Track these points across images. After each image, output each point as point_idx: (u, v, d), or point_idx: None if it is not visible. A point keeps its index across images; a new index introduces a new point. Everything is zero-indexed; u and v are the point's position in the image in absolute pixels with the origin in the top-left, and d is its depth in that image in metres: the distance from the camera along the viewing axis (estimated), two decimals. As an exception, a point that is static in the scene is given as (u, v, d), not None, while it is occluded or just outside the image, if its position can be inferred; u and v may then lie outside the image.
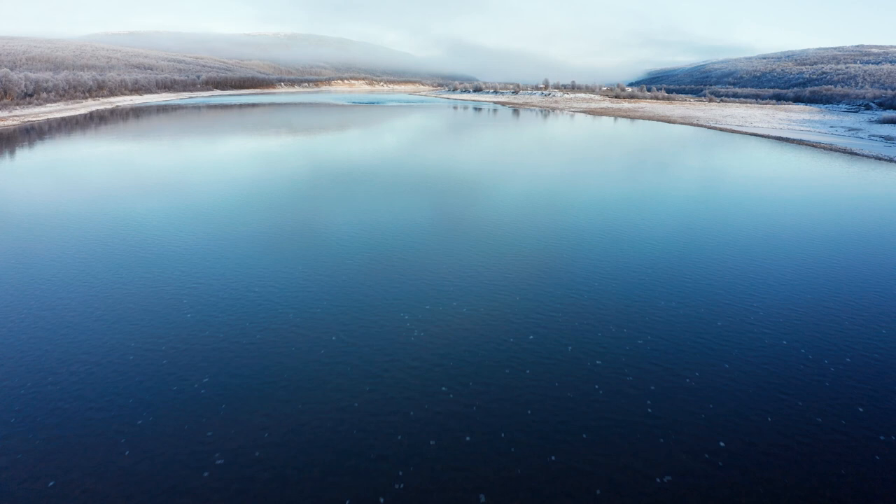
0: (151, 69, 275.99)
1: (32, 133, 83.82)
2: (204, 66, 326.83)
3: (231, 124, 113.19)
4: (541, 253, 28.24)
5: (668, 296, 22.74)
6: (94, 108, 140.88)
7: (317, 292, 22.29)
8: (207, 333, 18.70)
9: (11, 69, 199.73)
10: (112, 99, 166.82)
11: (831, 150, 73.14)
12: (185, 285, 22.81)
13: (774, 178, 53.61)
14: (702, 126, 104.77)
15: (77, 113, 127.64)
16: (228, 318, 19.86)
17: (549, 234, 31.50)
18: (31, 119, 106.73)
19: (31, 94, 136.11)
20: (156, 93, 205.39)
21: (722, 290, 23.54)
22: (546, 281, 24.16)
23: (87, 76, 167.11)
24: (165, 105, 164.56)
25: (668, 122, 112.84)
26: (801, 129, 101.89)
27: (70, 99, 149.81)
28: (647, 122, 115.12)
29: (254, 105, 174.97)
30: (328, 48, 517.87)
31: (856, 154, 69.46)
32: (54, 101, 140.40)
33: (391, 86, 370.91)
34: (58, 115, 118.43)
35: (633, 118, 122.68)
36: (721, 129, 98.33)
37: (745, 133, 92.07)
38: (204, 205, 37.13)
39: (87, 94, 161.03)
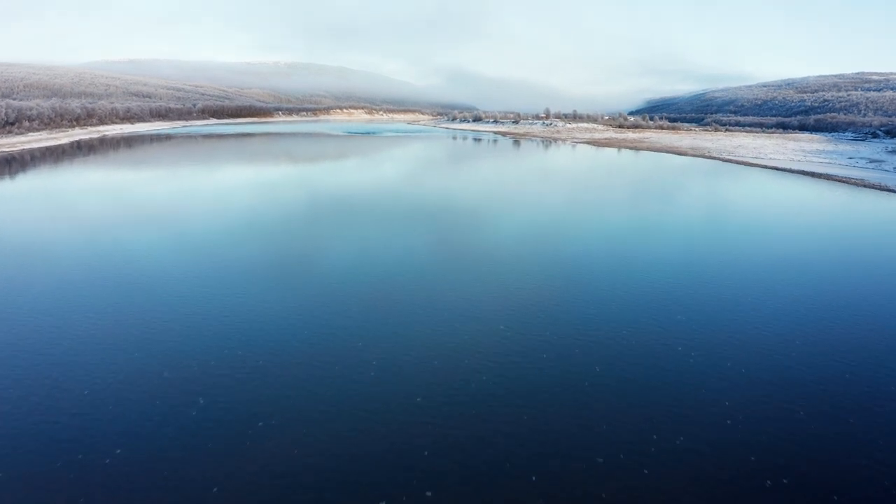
0: (150, 97, 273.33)
1: (4, 164, 78.18)
2: (203, 94, 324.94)
3: (214, 155, 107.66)
4: (564, 302, 25.66)
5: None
6: (79, 138, 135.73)
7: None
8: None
9: (8, 96, 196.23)
10: (100, 128, 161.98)
11: (864, 185, 66.83)
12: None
13: (822, 222, 46.98)
14: (715, 158, 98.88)
15: (59, 143, 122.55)
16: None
17: (578, 282, 28.23)
18: (6, 149, 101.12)
19: (13, 123, 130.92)
20: (149, 121, 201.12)
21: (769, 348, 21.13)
22: (555, 318, 23.56)
23: (75, 104, 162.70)
24: (156, 134, 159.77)
25: (679, 153, 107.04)
26: (820, 160, 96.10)
27: (55, 128, 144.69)
28: (656, 153, 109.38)
29: (247, 135, 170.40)
30: (328, 77, 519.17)
31: (893, 191, 63.14)
32: (38, 130, 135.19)
33: (390, 115, 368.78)
34: (38, 145, 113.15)
35: (640, 149, 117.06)
36: (737, 162, 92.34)
37: (765, 167, 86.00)
38: (178, 241, 35.46)
39: (75, 123, 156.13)
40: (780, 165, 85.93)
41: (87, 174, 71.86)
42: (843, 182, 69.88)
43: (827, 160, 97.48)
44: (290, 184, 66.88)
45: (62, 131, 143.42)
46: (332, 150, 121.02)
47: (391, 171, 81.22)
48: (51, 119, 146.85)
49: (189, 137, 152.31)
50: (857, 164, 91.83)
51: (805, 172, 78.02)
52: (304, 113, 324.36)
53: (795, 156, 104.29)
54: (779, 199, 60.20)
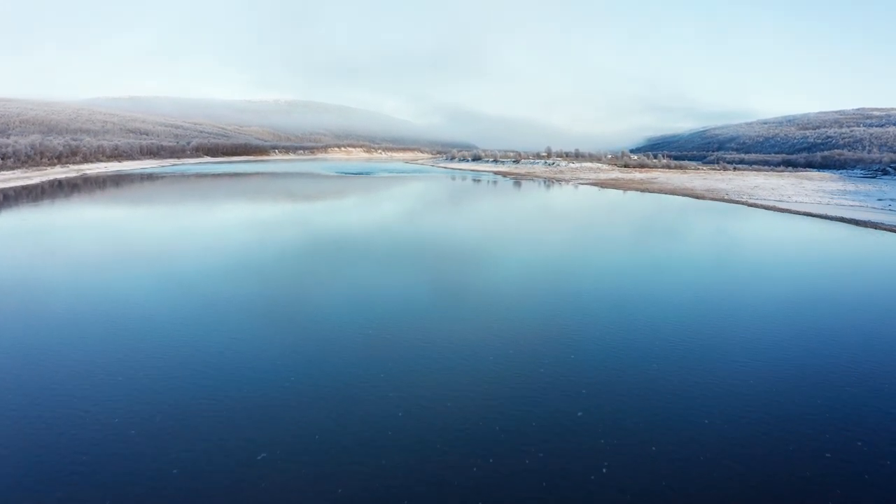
0: (147, 134, 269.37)
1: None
2: (201, 131, 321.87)
3: (186, 195, 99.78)
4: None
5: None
6: (56, 177, 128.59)
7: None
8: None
9: (3, 132, 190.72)
10: (83, 166, 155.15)
11: (920, 237, 58.03)
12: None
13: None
14: (736, 202, 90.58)
15: (32, 182, 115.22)
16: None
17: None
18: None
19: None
20: (138, 159, 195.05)
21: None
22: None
23: (57, 141, 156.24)
24: (142, 173, 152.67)
25: (695, 196, 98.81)
26: (850, 203, 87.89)
27: (33, 166, 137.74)
28: (670, 196, 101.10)
29: (234, 174, 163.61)
30: (328, 115, 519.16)
31: (958, 244, 54.28)
32: (11, 169, 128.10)
33: (389, 153, 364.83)
34: (4, 185, 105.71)
35: (651, 191, 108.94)
36: (763, 207, 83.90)
37: (796, 212, 77.41)
38: (149, 284, 34.93)
39: (56, 161, 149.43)
40: (812, 210, 77.42)
41: (43, 215, 64.14)
42: (894, 231, 61.12)
43: (856, 202, 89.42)
44: (260, 227, 58.26)
45: (39, 170, 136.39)
46: (311, 193, 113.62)
47: (378, 224, 72.62)
48: (29, 157, 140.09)
49: (173, 176, 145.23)
50: (892, 208, 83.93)
51: (844, 220, 69.36)
52: (302, 151, 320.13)
53: (820, 198, 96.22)
54: (840, 259, 50.95)
